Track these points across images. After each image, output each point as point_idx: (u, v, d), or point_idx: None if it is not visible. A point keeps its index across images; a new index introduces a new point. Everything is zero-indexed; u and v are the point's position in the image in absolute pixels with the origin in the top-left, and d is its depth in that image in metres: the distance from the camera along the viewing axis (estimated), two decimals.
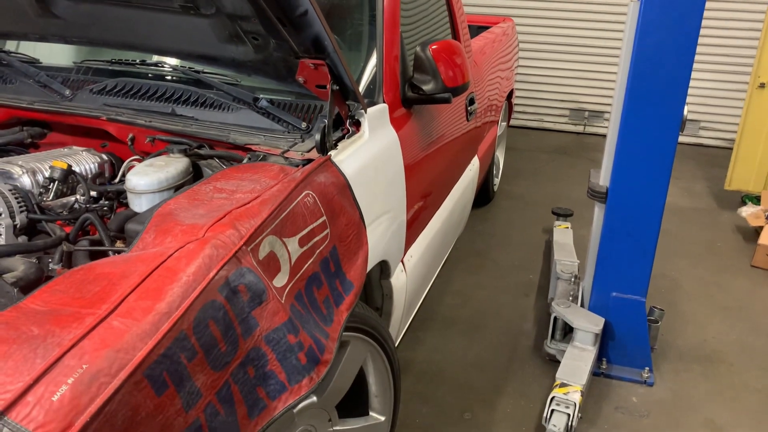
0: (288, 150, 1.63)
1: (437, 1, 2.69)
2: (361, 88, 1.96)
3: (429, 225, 2.35)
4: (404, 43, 2.18)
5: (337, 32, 2.14)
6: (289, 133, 1.73)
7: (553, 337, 2.57)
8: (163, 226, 1.23)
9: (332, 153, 1.59)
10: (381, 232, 1.76)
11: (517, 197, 4.42)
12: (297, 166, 1.53)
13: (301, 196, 1.37)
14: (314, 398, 1.58)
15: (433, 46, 2.05)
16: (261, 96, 1.80)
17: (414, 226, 2.14)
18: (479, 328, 2.83)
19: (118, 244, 1.45)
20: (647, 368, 2.49)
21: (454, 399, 2.39)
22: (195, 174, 1.66)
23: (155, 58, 1.95)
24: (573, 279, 2.79)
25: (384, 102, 1.94)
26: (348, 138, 1.71)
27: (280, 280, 1.26)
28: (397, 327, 2.12)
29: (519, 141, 5.74)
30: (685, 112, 2.29)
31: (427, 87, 2.05)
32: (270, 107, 1.78)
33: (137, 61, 1.96)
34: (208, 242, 1.14)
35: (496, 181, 4.46)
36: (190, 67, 1.89)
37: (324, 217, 1.43)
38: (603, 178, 2.43)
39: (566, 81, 5.96)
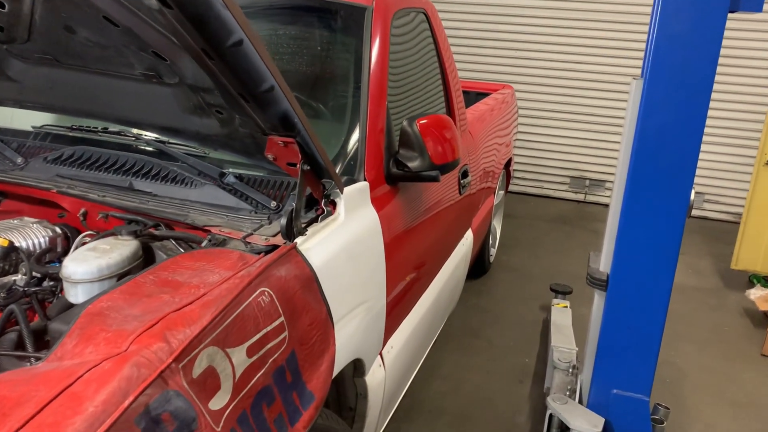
0: (251, 234, 1.46)
1: (430, 71, 2.57)
2: (341, 164, 1.80)
3: (414, 309, 2.16)
4: (391, 115, 2.04)
5: (320, 102, 2.00)
6: (256, 213, 1.57)
7: None
8: (87, 331, 1.05)
9: (299, 240, 1.42)
10: (354, 327, 1.57)
11: (515, 269, 4.23)
12: (259, 253, 1.36)
13: (254, 296, 1.19)
14: None
15: (422, 121, 1.91)
16: (228, 171, 1.65)
17: (395, 313, 1.95)
18: (468, 420, 2.60)
19: None
20: None
21: None
22: (148, 258, 1.49)
23: (117, 126, 1.80)
24: (571, 369, 2.57)
25: (365, 179, 1.78)
26: (321, 221, 1.54)
27: (219, 401, 1.06)
28: (374, 428, 1.90)
29: (518, 208, 5.59)
30: (692, 197, 2.13)
31: (414, 164, 1.89)
32: (237, 183, 1.63)
33: (99, 128, 1.81)
34: (129, 359, 0.95)
35: (493, 251, 4.28)
36: (155, 138, 1.74)
37: (282, 318, 1.25)
38: (603, 263, 2.25)
39: (567, 148, 5.86)
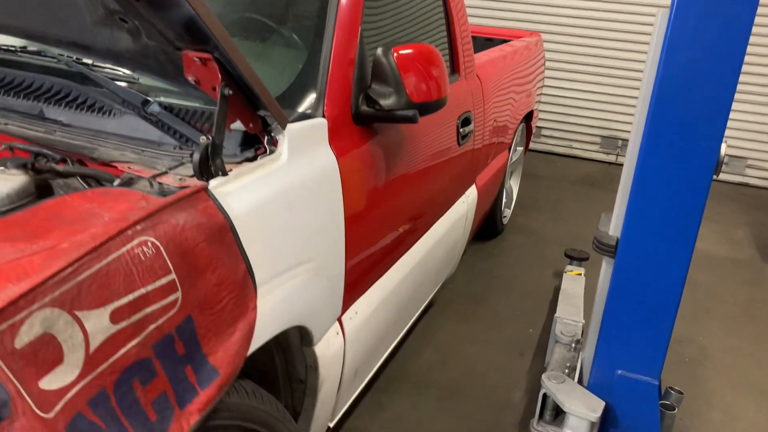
0: (164, 173, 1.21)
1: (430, 2, 2.25)
2: (294, 97, 1.52)
3: (390, 272, 1.90)
4: (369, 45, 1.74)
5: (279, 23, 1.71)
6: (181, 149, 1.31)
7: (541, 416, 2.07)
8: None
9: (215, 182, 1.16)
10: (291, 289, 1.32)
11: (531, 232, 3.92)
12: (167, 195, 1.11)
13: (128, 247, 0.94)
14: None
15: (400, 51, 1.61)
16: (153, 99, 1.39)
17: (361, 275, 1.69)
18: (458, 395, 2.35)
19: None
20: None
21: None
22: (44, 197, 1.25)
23: (36, 45, 1.55)
24: (574, 344, 2.29)
25: (323, 116, 1.50)
26: (255, 161, 1.28)
27: (59, 379, 0.82)
28: (332, 402, 1.67)
29: (543, 168, 5.24)
30: (723, 152, 1.80)
31: (387, 101, 1.61)
32: (162, 114, 1.37)
33: (17, 48, 1.56)
34: None
35: (508, 212, 3.97)
36: (77, 58, 1.48)
37: (172, 276, 1.00)
38: (614, 227, 1.94)
39: (599, 106, 5.44)
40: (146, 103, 1.38)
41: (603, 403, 1.94)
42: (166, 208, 1.02)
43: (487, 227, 3.66)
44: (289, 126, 1.35)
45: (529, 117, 3.93)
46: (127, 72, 1.46)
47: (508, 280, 3.28)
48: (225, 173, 1.19)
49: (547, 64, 5.43)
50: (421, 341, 2.66)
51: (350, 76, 1.62)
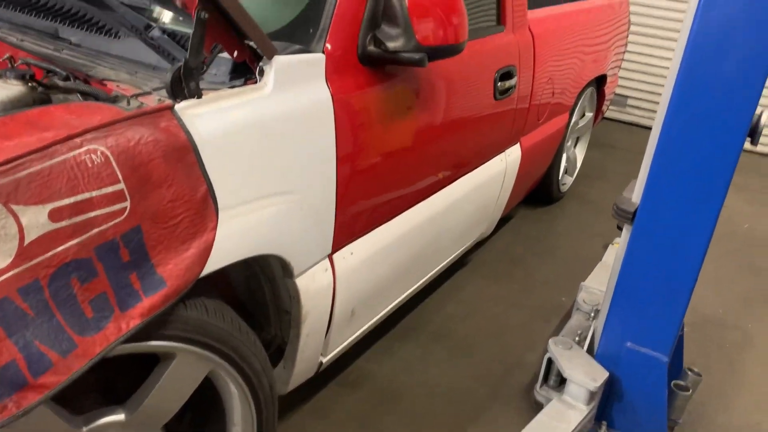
0: (148, 93, 1.26)
1: None
2: (294, 30, 1.53)
3: (398, 219, 1.89)
4: None
5: None
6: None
7: (545, 381, 2.04)
8: None
9: (186, 103, 1.19)
10: (265, 218, 1.35)
11: (590, 202, 3.78)
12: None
13: (75, 152, 1.00)
14: (122, 415, 1.23)
15: None
16: (155, 24, 1.44)
17: (359, 217, 1.70)
18: (471, 349, 2.34)
19: None
20: None
21: None
22: None
23: None
24: (593, 314, 2.22)
25: (322, 52, 1.50)
26: (236, 88, 1.31)
27: None
28: (320, 337, 1.71)
29: (622, 139, 4.99)
30: (763, 118, 1.66)
31: (393, 44, 1.58)
32: (162, 39, 1.42)
33: None
34: None
35: (569, 180, 3.83)
36: None
37: (121, 185, 1.05)
38: (636, 193, 1.84)
39: None
40: (149, 27, 1.43)
41: (606, 374, 1.88)
42: (123, 121, 1.07)
43: (542, 193, 3.55)
44: (278, 58, 1.36)
45: (601, 81, 3.75)
46: None
47: (553, 246, 3.19)
48: (199, 96, 1.22)
49: (638, 29, 5.11)
50: (445, 296, 2.65)
51: (360, 15, 1.60)
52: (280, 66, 1.36)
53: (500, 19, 2.36)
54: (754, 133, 1.64)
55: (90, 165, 1.01)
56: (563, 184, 3.74)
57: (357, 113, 1.58)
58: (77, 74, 1.38)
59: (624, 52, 4.18)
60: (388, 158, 1.74)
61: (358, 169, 1.62)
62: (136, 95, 1.24)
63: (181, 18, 1.49)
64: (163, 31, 1.44)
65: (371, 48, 1.61)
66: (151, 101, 1.23)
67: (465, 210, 2.32)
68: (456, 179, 2.20)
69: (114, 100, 1.24)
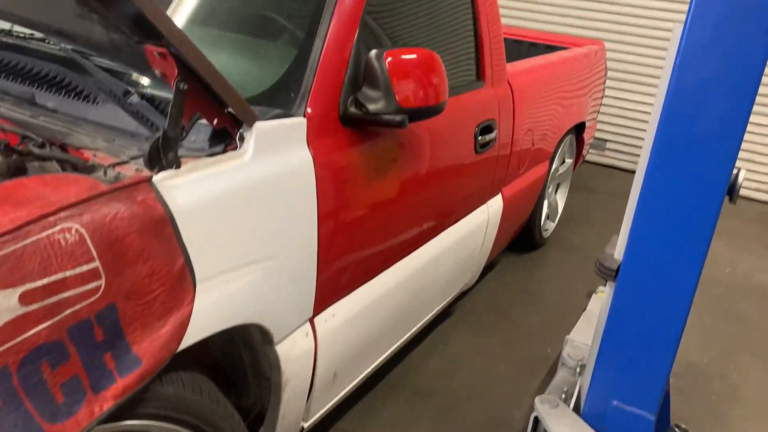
0: (126, 162, 1.24)
1: (457, 7, 2.21)
2: (276, 94, 1.53)
3: (380, 278, 1.87)
4: (372, 45, 1.73)
5: (275, 14, 1.72)
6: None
7: None
8: None
9: (164, 174, 1.18)
10: (245, 287, 1.32)
11: (573, 248, 3.78)
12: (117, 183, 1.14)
13: (48, 232, 0.97)
14: None
15: (394, 56, 1.59)
16: (134, 90, 1.43)
17: (340, 279, 1.68)
18: (456, 407, 2.30)
19: None
20: None
21: None
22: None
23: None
24: (579, 369, 2.19)
25: (304, 116, 1.50)
26: (216, 156, 1.29)
27: None
28: (302, 403, 1.66)
29: (602, 182, 5.04)
30: (741, 178, 1.67)
31: (374, 106, 1.59)
32: (141, 104, 1.41)
33: (20, 32, 1.64)
34: None
35: (551, 225, 3.85)
36: (73, 48, 1.55)
37: (95, 264, 1.02)
38: (619, 249, 1.84)
39: None
40: (127, 93, 1.42)
41: None
42: (99, 196, 1.05)
43: (525, 239, 3.56)
44: (259, 124, 1.35)
45: (580, 129, 3.80)
46: (115, 61, 1.50)
47: (537, 295, 3.18)
48: (177, 166, 1.21)
49: (616, 74, 5.21)
50: (431, 349, 2.62)
51: (341, 77, 1.61)
52: (261, 132, 1.36)
53: (479, 75, 2.39)
54: (732, 191, 1.66)
55: (64, 244, 0.98)
56: (545, 230, 3.75)
57: (338, 175, 1.57)
58: (54, 141, 1.36)
59: (602, 99, 4.26)
60: (371, 218, 1.73)
61: (340, 231, 1.61)
62: (114, 165, 1.22)
63: (159, 84, 1.48)
64: (142, 96, 1.43)
65: (352, 110, 1.61)
66: (129, 170, 1.21)
67: (448, 263, 2.31)
68: (439, 233, 2.19)
69: (91, 169, 1.22)
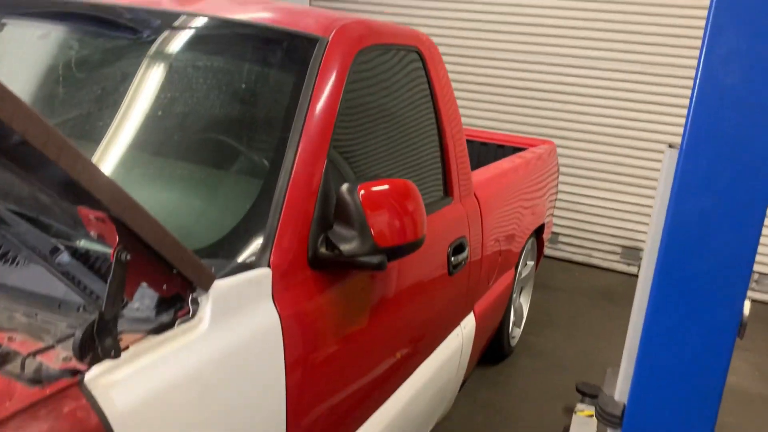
0: (50, 347, 0.99)
1: (419, 122, 2.08)
2: (237, 241, 1.31)
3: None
4: (340, 177, 1.55)
5: (239, 150, 1.54)
6: (86, 310, 1.10)
7: None
8: None
9: (99, 368, 0.93)
10: None
11: (543, 355, 3.60)
12: (40, 382, 0.89)
13: None
14: None
15: (368, 189, 1.41)
16: (63, 247, 1.19)
17: None
18: None
19: None
20: None
21: None
22: None
23: None
24: None
25: (268, 266, 1.29)
26: (171, 329, 1.06)
27: None
28: None
29: (559, 278, 4.95)
30: (746, 311, 1.54)
31: (348, 246, 1.39)
32: (72, 264, 1.16)
33: None
34: None
35: (517, 332, 3.67)
36: None
37: None
38: (620, 391, 1.66)
39: (620, 215, 5.19)
40: (55, 251, 1.18)
41: None
42: (11, 419, 0.80)
43: (493, 351, 3.36)
44: (217, 283, 1.13)
45: (540, 231, 3.71)
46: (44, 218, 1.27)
47: (513, 415, 2.95)
48: (117, 354, 0.96)
49: (565, 169, 5.24)
50: None
51: (310, 214, 1.41)
52: (219, 293, 1.13)
53: (447, 191, 2.25)
54: (741, 328, 1.52)
55: None
56: (513, 338, 3.57)
57: (308, 329, 1.35)
58: None
59: (555, 198, 4.22)
60: (344, 371, 1.50)
61: (310, 394, 1.37)
62: (34, 353, 0.97)
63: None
64: (74, 252, 1.19)
65: (323, 251, 1.41)
66: (55, 360, 0.96)
67: (426, 399, 2.07)
68: (414, 369, 1.96)
69: (4, 359, 0.96)
